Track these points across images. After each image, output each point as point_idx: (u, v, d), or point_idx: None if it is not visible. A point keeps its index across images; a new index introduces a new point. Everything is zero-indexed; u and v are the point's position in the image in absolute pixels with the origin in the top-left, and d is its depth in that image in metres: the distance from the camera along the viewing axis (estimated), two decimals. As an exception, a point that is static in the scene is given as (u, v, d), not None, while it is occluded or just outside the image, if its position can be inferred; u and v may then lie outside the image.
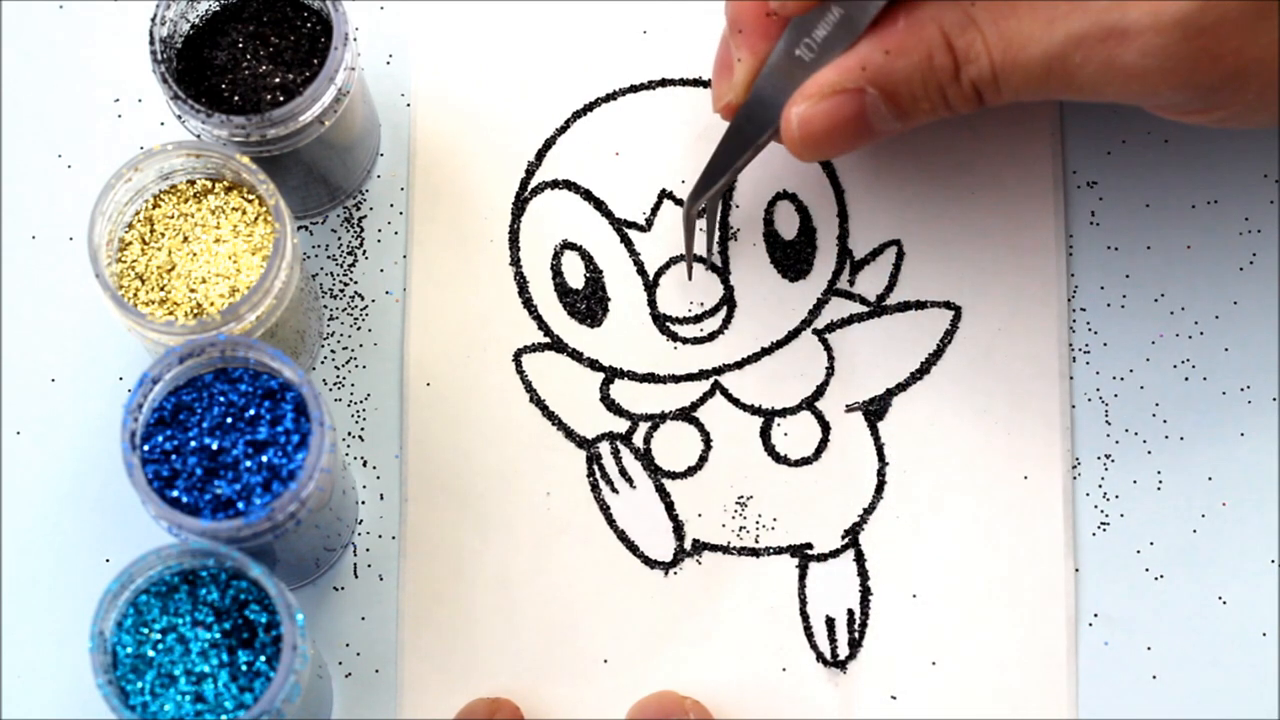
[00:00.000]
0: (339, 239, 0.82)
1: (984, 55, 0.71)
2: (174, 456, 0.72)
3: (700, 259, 0.81)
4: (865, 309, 0.82)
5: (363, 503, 0.80)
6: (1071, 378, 0.81)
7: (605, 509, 0.80)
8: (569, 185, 0.83)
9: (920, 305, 0.81)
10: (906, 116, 0.74)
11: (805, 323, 0.82)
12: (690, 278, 0.81)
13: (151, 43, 0.75)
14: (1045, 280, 0.81)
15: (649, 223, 0.82)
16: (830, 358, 0.81)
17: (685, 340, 0.81)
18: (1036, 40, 0.71)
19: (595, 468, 0.80)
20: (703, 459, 0.81)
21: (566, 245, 0.82)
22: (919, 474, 0.80)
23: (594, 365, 0.81)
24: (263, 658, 0.71)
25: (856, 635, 0.79)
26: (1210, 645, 0.79)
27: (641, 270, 0.82)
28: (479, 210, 0.82)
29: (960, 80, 0.72)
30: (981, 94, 0.72)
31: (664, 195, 0.82)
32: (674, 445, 0.81)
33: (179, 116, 0.75)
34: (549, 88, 0.83)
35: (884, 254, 0.82)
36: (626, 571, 0.80)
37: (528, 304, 0.82)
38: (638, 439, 0.81)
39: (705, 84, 0.83)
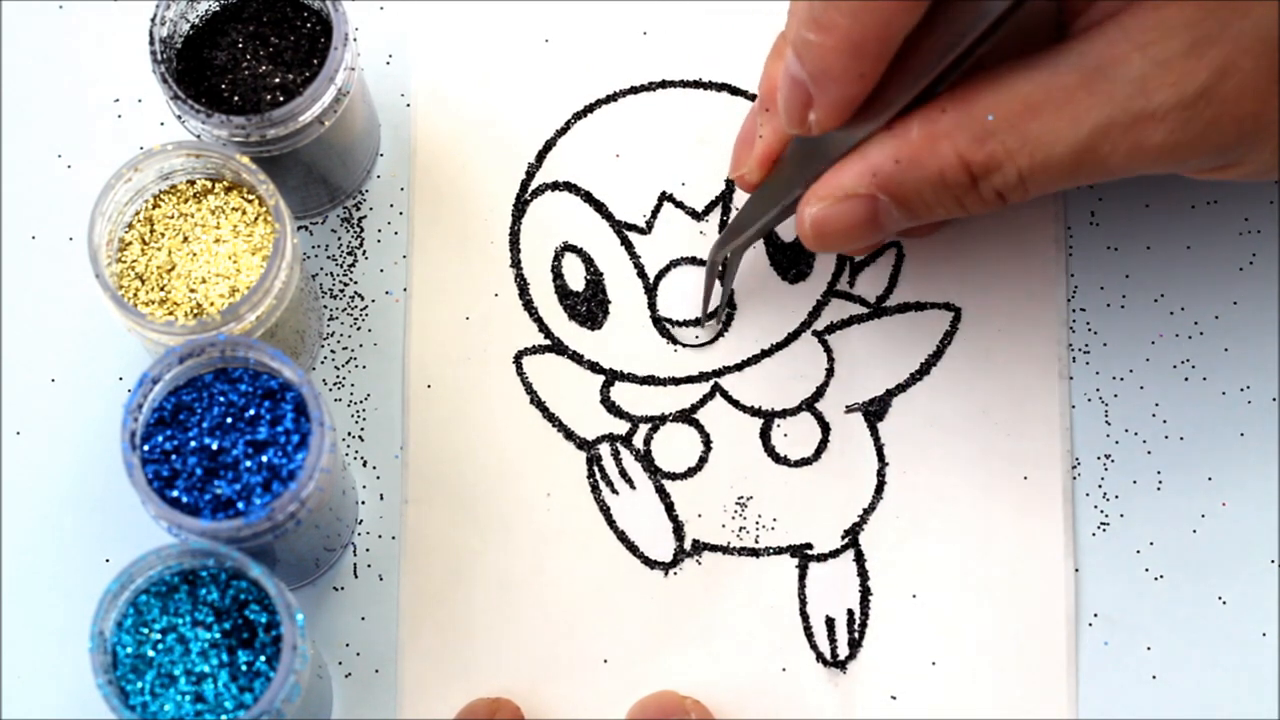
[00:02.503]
0: (339, 239, 0.82)
1: (1009, 164, 0.70)
2: (174, 456, 0.72)
3: (712, 314, 0.81)
4: (865, 310, 0.82)
5: (363, 503, 0.80)
6: (1071, 378, 0.81)
7: (605, 510, 0.80)
8: (569, 187, 0.83)
9: (920, 306, 0.81)
10: (918, 219, 0.73)
11: (805, 324, 0.82)
12: (703, 324, 0.81)
13: (151, 43, 0.75)
14: (1045, 280, 0.81)
15: (649, 225, 0.82)
16: (830, 359, 0.81)
17: (685, 344, 0.81)
18: (1063, 139, 0.70)
19: (595, 469, 0.80)
20: (703, 460, 0.81)
21: (567, 247, 0.82)
22: (919, 474, 0.80)
23: (594, 367, 0.81)
24: (263, 658, 0.71)
25: (856, 635, 0.79)
26: (1210, 645, 0.79)
27: (642, 273, 0.82)
28: (479, 211, 0.82)
29: (979, 190, 0.71)
30: (1005, 197, 0.72)
31: (664, 197, 0.82)
32: (674, 446, 0.81)
33: (179, 116, 0.75)
34: (549, 88, 0.83)
35: (884, 255, 0.82)
36: (626, 572, 0.80)
37: (528, 306, 0.82)
38: (638, 440, 0.81)
39: (706, 85, 0.83)
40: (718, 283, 0.80)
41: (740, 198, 0.82)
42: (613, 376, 0.81)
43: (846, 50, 0.70)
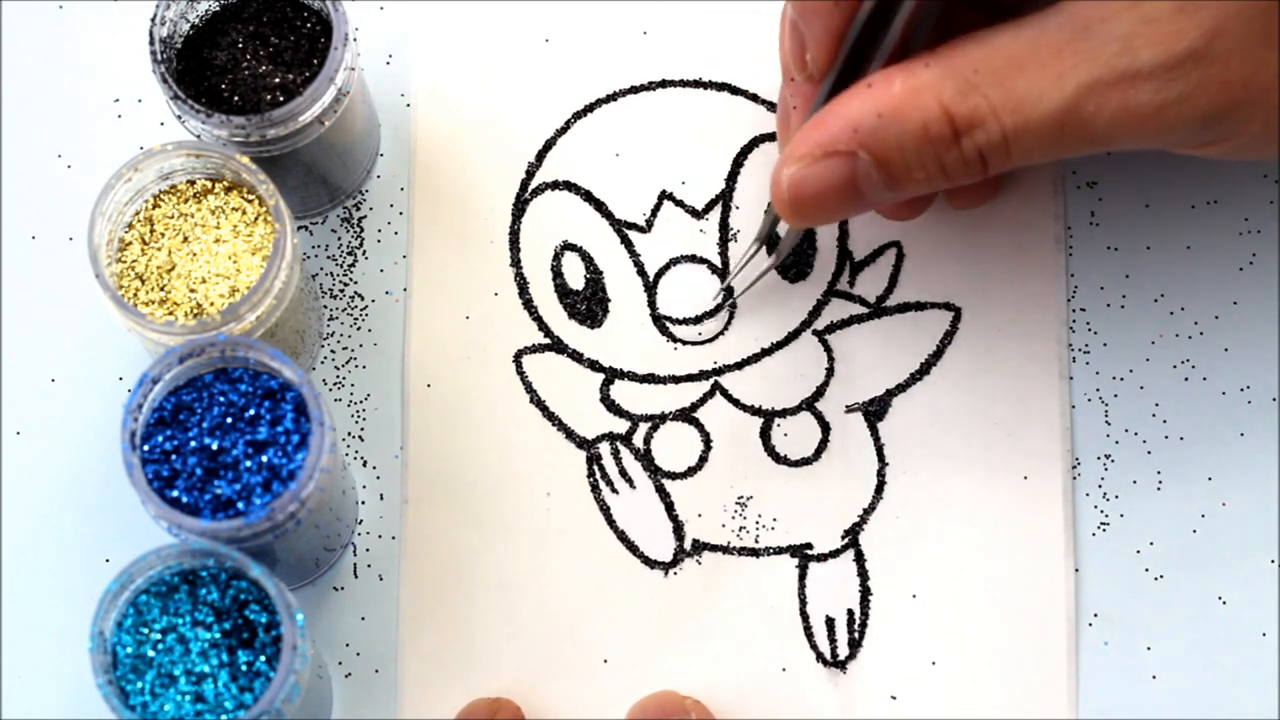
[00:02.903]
0: (339, 239, 0.82)
1: (992, 119, 0.70)
2: (174, 456, 0.72)
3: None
4: (865, 310, 0.82)
5: (363, 503, 0.80)
6: (1071, 378, 0.81)
7: (605, 509, 0.80)
8: (569, 186, 0.83)
9: (920, 306, 0.81)
10: (898, 185, 0.72)
11: (805, 324, 0.82)
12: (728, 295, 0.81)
13: (151, 43, 0.75)
14: (1045, 280, 0.81)
15: (649, 224, 0.82)
16: (830, 358, 0.81)
17: (685, 341, 0.81)
18: (1048, 96, 0.69)
19: (595, 468, 0.80)
20: (703, 459, 0.81)
21: (567, 246, 0.82)
22: (919, 474, 0.80)
23: (594, 366, 0.81)
24: (263, 658, 0.71)
25: (856, 635, 0.79)
26: (1210, 645, 0.79)
27: (642, 271, 0.82)
28: (479, 211, 0.82)
29: (961, 147, 0.71)
30: (987, 160, 0.71)
31: (664, 196, 0.82)
32: (674, 446, 0.81)
33: (179, 116, 0.75)
34: (549, 88, 0.83)
35: (884, 255, 0.82)
36: (626, 571, 0.80)
37: (528, 305, 0.82)
38: (638, 439, 0.81)
39: (706, 85, 0.83)
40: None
41: (740, 197, 0.82)
42: (613, 375, 0.81)
43: None
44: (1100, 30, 0.69)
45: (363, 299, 0.82)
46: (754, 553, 0.80)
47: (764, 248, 0.81)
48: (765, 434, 0.81)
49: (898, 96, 0.71)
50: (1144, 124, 0.70)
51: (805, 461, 0.80)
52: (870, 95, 0.71)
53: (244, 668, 0.71)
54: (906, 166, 0.71)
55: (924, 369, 0.81)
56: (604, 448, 0.81)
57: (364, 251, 0.82)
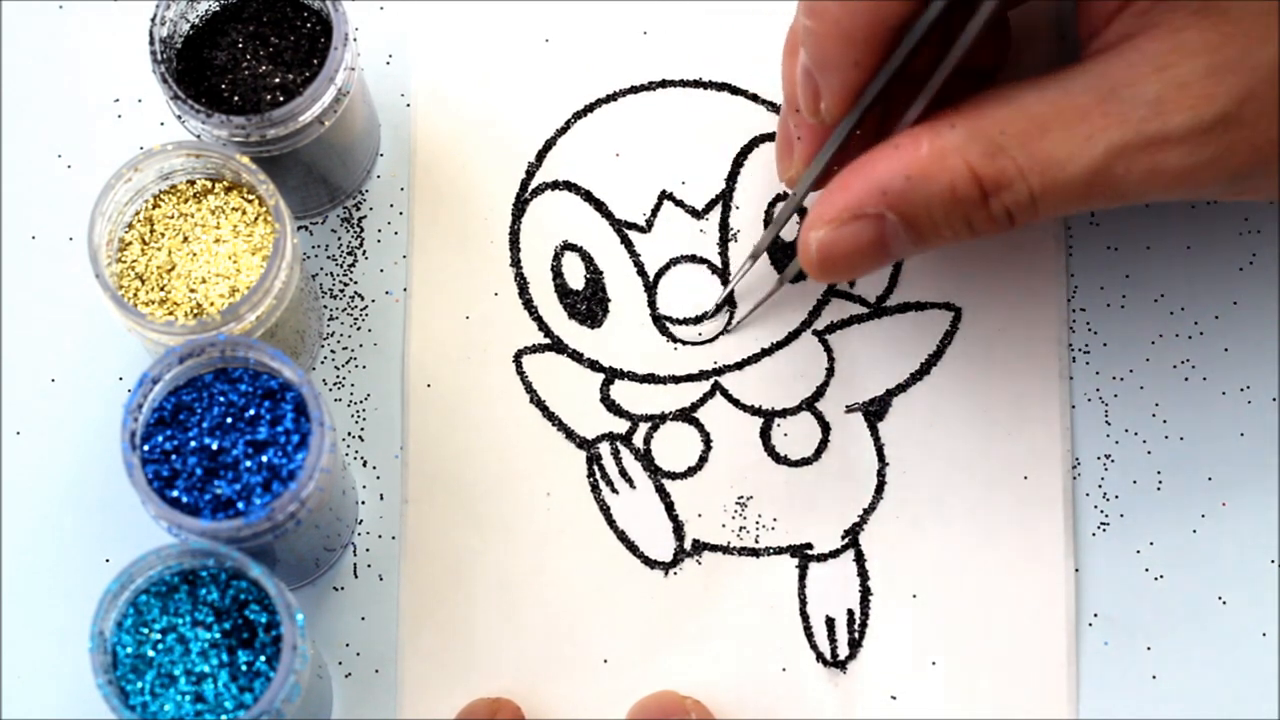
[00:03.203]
0: (339, 239, 0.82)
1: (1020, 181, 0.70)
2: (174, 456, 0.72)
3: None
4: (865, 310, 0.82)
5: (363, 503, 0.80)
6: (1071, 378, 0.81)
7: (605, 509, 0.80)
8: (569, 186, 0.83)
9: (920, 306, 0.81)
10: (925, 243, 0.72)
11: (805, 324, 0.82)
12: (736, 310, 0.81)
13: (151, 43, 0.75)
14: (1045, 280, 0.81)
15: (649, 224, 0.82)
16: (830, 358, 0.81)
17: (685, 341, 0.81)
18: (1075, 158, 0.69)
19: (595, 468, 0.80)
20: (703, 459, 0.81)
21: (567, 246, 0.82)
22: (919, 474, 0.80)
23: (594, 366, 0.81)
24: (263, 658, 0.71)
25: (856, 635, 0.79)
26: (1210, 645, 0.79)
27: (642, 271, 0.82)
28: (479, 211, 0.82)
29: (989, 206, 0.71)
30: (1014, 217, 0.71)
31: (664, 196, 0.82)
32: (674, 446, 0.81)
33: (179, 116, 0.75)
34: (549, 88, 0.83)
35: (884, 255, 0.82)
36: (626, 571, 0.80)
37: (528, 305, 0.82)
38: (638, 439, 0.81)
39: (706, 85, 0.83)
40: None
41: (741, 197, 0.82)
42: (613, 375, 0.81)
43: (839, 37, 0.71)
44: (1128, 93, 0.69)
45: (363, 299, 0.82)
46: (754, 553, 0.80)
47: (756, 260, 0.81)
48: (765, 434, 0.81)
49: (925, 159, 0.71)
50: (1173, 184, 0.70)
51: (805, 461, 0.80)
52: (898, 157, 0.71)
53: (244, 668, 0.71)
54: (934, 226, 0.72)
55: (924, 369, 0.81)
56: (604, 448, 0.81)
57: (364, 251, 0.82)
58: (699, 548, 0.80)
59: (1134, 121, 0.69)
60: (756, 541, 0.80)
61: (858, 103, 0.74)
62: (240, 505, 0.71)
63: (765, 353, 0.81)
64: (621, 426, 0.81)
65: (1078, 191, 0.70)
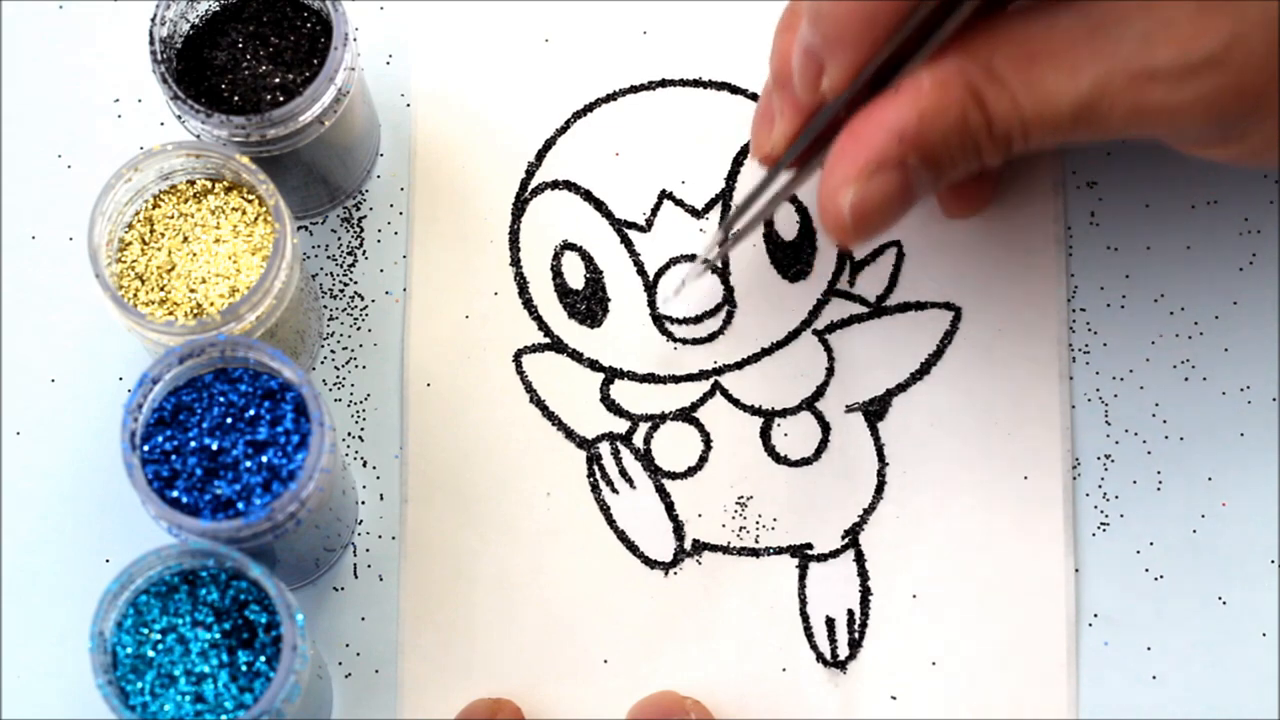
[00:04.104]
0: (339, 239, 0.82)
1: (1011, 109, 0.70)
2: (174, 457, 0.72)
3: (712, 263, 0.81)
4: (865, 309, 0.82)
5: (363, 503, 0.80)
6: (1071, 378, 0.81)
7: (605, 509, 0.80)
8: (569, 186, 0.83)
9: (920, 306, 0.81)
10: (943, 177, 0.72)
11: (805, 323, 0.82)
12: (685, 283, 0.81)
13: (151, 43, 0.75)
14: (1045, 280, 0.81)
15: (649, 223, 0.82)
16: (830, 358, 0.81)
17: (685, 341, 0.81)
18: (1063, 89, 0.69)
19: (595, 468, 0.80)
20: (703, 459, 0.81)
21: (567, 246, 0.82)
22: (919, 474, 0.80)
23: (594, 365, 0.81)
24: (263, 658, 0.71)
25: (856, 635, 0.79)
26: (1210, 645, 0.79)
27: (641, 271, 0.82)
28: (479, 211, 0.82)
29: (993, 132, 0.71)
30: (1012, 142, 0.71)
31: (664, 196, 0.82)
32: (674, 445, 0.81)
33: (179, 116, 0.75)
34: (549, 88, 0.83)
35: (884, 255, 0.82)
36: (626, 571, 0.80)
37: (528, 304, 0.82)
38: (638, 439, 0.81)
39: (705, 84, 0.83)
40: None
41: (740, 197, 0.82)
42: (612, 375, 0.81)
43: (861, 17, 0.70)
44: (1116, 29, 0.69)
45: (363, 299, 0.82)
46: (754, 553, 0.80)
47: (728, 234, 0.80)
48: (765, 434, 0.81)
49: (931, 93, 0.70)
50: (1156, 121, 0.70)
51: (805, 461, 0.80)
52: (906, 100, 0.71)
53: (244, 668, 0.71)
54: (951, 159, 0.71)
55: (924, 369, 0.81)
56: (604, 447, 0.81)
57: (364, 251, 0.82)
58: (699, 548, 0.80)
59: (1120, 56, 0.69)
60: (756, 541, 0.80)
61: (862, 77, 0.73)
62: (240, 505, 0.72)
63: (765, 352, 0.81)
64: (621, 426, 0.81)
65: (1064, 124, 0.70)
